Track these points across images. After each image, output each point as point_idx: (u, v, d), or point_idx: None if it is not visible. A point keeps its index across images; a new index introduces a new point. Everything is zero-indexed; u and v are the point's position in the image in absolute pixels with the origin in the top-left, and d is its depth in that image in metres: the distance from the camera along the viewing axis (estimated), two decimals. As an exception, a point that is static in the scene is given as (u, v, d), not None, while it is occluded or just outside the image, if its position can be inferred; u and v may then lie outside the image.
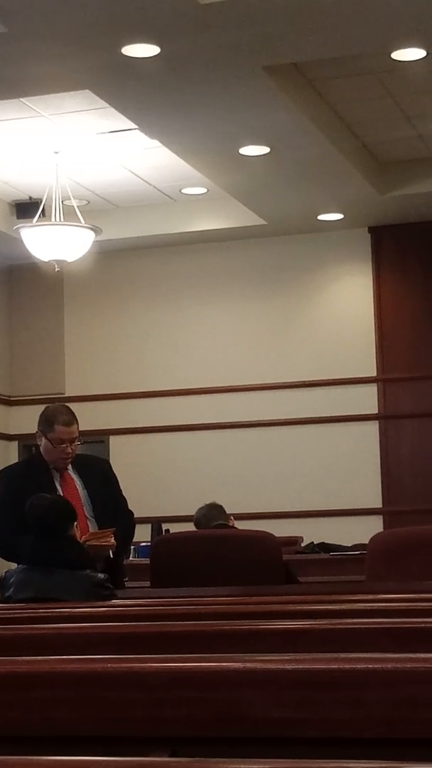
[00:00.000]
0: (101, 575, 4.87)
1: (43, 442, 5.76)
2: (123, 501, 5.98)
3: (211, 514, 7.23)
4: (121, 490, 6.01)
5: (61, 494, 5.58)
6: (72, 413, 5.86)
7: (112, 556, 5.56)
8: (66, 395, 11.10)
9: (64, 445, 5.69)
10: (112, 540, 5.46)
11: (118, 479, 6.07)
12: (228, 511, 7.47)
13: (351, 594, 3.99)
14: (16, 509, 5.25)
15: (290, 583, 5.52)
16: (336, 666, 1.79)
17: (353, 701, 1.74)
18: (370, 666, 1.77)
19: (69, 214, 9.48)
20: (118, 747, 1.81)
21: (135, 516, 6.08)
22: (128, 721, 1.84)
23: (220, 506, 7.40)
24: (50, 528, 4.83)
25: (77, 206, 9.58)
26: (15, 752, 1.80)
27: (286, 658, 1.87)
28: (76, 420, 5.81)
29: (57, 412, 5.84)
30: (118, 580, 5.60)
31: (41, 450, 5.82)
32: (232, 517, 7.42)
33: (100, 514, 5.73)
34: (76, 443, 5.75)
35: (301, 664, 1.82)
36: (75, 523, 5.12)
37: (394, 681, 1.74)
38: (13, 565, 5.29)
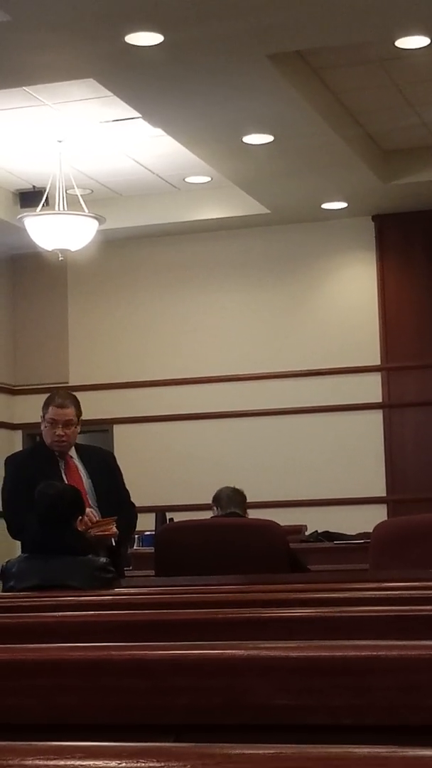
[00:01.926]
0: (103, 559, 4.88)
1: (42, 425, 5.86)
2: (126, 493, 6.01)
3: (232, 499, 7.23)
4: (124, 483, 6.04)
5: (66, 482, 5.62)
6: (71, 398, 5.94)
7: (114, 544, 5.59)
8: (70, 384, 11.10)
9: (58, 427, 5.75)
10: (114, 528, 5.48)
11: (123, 468, 6.10)
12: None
13: (355, 582, 3.99)
14: (24, 492, 5.34)
15: (298, 571, 5.53)
16: (340, 653, 1.80)
17: (357, 688, 1.75)
18: (374, 653, 1.77)
19: (72, 203, 9.48)
20: (122, 734, 1.81)
21: (139, 505, 6.11)
22: (132, 709, 1.84)
23: (244, 495, 7.39)
24: (57, 518, 4.84)
25: (81, 195, 9.57)
26: (18, 740, 1.80)
27: (289, 645, 1.87)
28: (75, 405, 5.86)
29: (54, 395, 5.96)
30: (120, 569, 5.63)
31: (42, 434, 5.90)
32: (246, 511, 7.41)
33: (103, 503, 5.76)
34: (72, 428, 5.80)
35: (305, 651, 1.82)
36: (81, 516, 5.13)
37: (398, 668, 1.74)
38: (13, 555, 5.31)
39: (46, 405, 5.87)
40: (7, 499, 5.83)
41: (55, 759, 1.11)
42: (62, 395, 5.99)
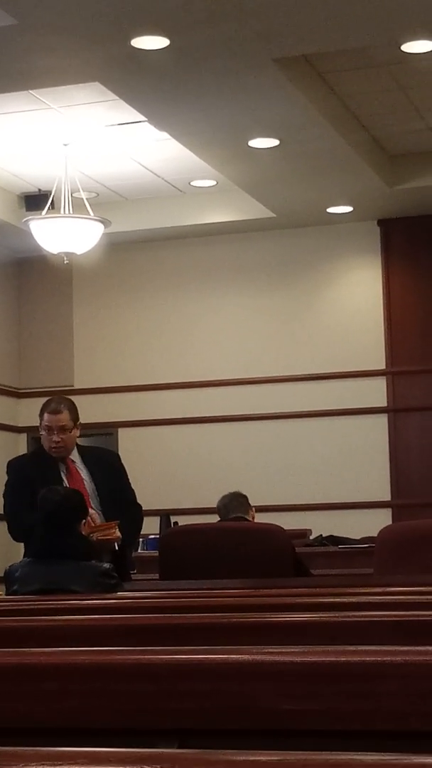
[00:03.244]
0: (107, 564, 4.88)
1: (40, 431, 5.88)
2: (131, 493, 6.00)
3: (232, 505, 7.23)
4: (129, 483, 6.03)
5: (67, 485, 5.62)
6: (65, 402, 5.92)
7: (117, 548, 5.57)
8: (75, 387, 11.10)
9: (54, 433, 5.76)
10: (117, 532, 5.47)
11: (127, 472, 6.08)
12: (237, 504, 7.45)
13: (359, 587, 3.98)
14: (26, 494, 5.38)
15: (302, 575, 5.52)
16: (344, 659, 1.79)
17: (362, 694, 1.74)
18: (379, 659, 1.77)
19: (78, 207, 9.48)
20: (126, 738, 1.81)
21: (143, 508, 6.09)
22: (136, 713, 1.84)
23: (244, 497, 7.37)
24: (60, 522, 4.84)
25: (86, 198, 9.57)
26: (23, 743, 1.80)
27: (294, 650, 1.86)
28: (70, 410, 5.85)
29: (49, 401, 5.95)
30: (125, 572, 5.61)
31: (41, 440, 5.92)
32: (253, 509, 7.39)
33: (107, 506, 5.75)
34: (68, 433, 5.79)
35: (310, 656, 1.81)
36: (85, 520, 5.13)
37: (403, 674, 1.73)
38: (15, 559, 5.31)
39: (41, 411, 5.88)
40: (8, 502, 5.86)
41: (58, 764, 1.10)
42: (56, 401, 5.96)
